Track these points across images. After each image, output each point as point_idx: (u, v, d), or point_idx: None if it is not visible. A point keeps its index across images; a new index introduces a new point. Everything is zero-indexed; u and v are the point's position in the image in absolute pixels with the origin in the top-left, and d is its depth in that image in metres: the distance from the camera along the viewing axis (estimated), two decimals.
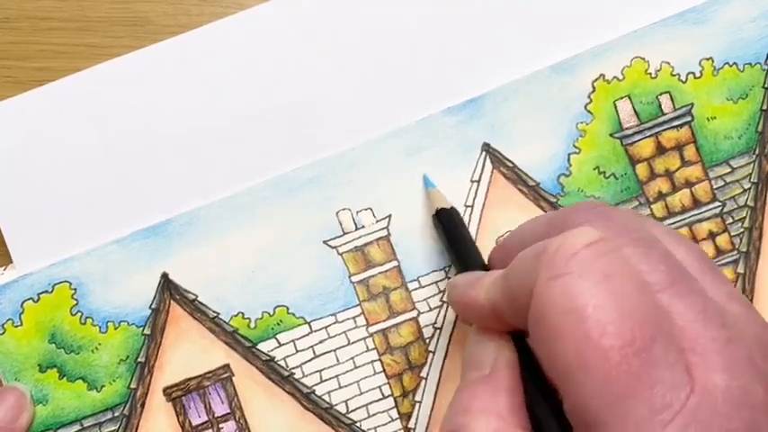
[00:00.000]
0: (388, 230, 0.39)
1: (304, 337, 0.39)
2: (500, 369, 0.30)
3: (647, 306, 0.26)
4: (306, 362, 0.39)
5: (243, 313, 0.39)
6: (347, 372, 0.39)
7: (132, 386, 0.38)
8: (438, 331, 0.39)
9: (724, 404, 0.25)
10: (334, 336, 0.39)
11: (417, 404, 0.39)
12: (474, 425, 0.28)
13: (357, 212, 0.39)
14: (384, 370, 0.39)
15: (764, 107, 0.40)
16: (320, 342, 0.39)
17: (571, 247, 0.26)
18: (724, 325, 0.26)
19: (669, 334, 0.25)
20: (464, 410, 0.29)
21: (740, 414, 0.25)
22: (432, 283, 0.39)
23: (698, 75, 0.40)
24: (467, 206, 0.39)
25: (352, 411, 0.39)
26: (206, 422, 0.39)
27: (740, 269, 0.40)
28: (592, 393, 0.25)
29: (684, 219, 0.40)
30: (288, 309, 0.39)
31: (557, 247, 0.27)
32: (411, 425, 0.39)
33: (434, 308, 0.39)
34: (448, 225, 0.38)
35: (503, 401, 0.29)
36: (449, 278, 0.39)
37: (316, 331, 0.39)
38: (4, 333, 0.38)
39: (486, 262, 0.36)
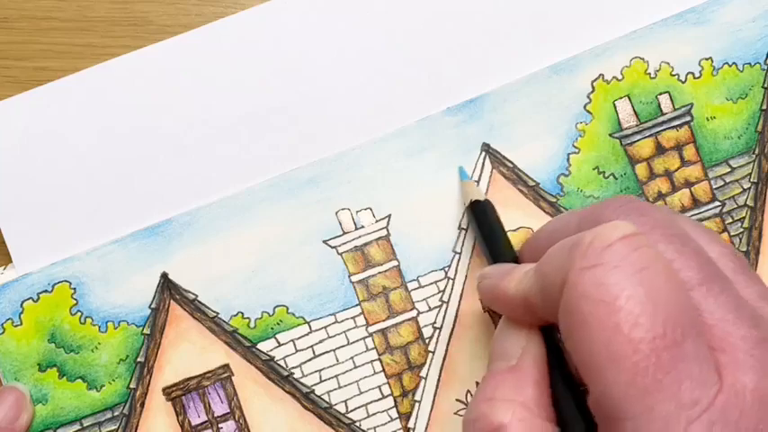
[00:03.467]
0: (387, 230, 0.39)
1: (303, 336, 0.39)
2: (527, 361, 0.30)
3: (679, 302, 0.26)
4: (305, 361, 0.39)
5: (242, 313, 0.39)
6: (347, 371, 0.39)
7: (132, 386, 0.38)
8: (438, 331, 0.39)
9: (752, 404, 0.25)
10: (334, 335, 0.39)
11: (417, 404, 0.39)
12: (497, 413, 0.28)
13: (357, 212, 0.39)
14: (384, 370, 0.39)
15: (764, 107, 0.40)
16: (320, 342, 0.39)
17: (606, 238, 0.26)
18: (756, 325, 0.26)
19: (700, 331, 0.25)
20: (488, 399, 0.29)
21: None
22: (431, 283, 0.39)
23: (697, 75, 0.40)
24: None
25: (351, 411, 0.39)
26: (205, 422, 0.39)
27: None
28: (619, 385, 0.25)
29: None
30: (287, 308, 0.39)
31: (591, 238, 0.27)
32: (411, 424, 0.39)
33: (434, 308, 0.39)
34: (481, 217, 0.38)
35: (529, 392, 0.29)
36: (449, 277, 0.39)
37: (315, 331, 0.39)
38: (3, 333, 0.38)
39: (518, 255, 0.36)
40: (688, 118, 0.40)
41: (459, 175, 0.39)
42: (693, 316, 0.26)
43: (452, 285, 0.39)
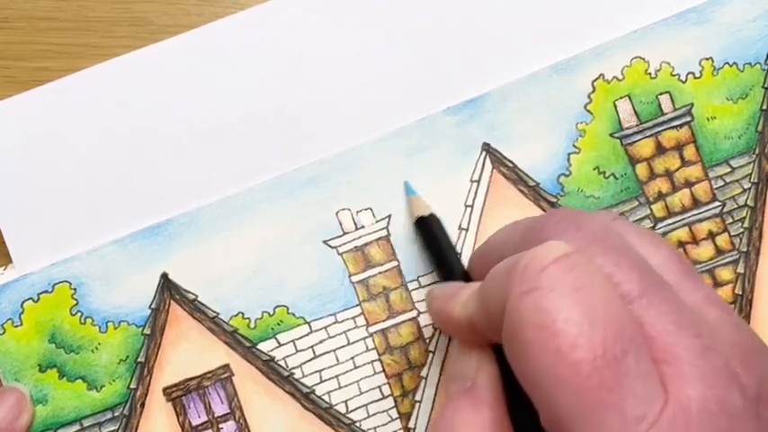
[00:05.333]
0: (387, 230, 0.39)
1: (304, 337, 0.39)
2: (481, 382, 0.30)
3: (618, 317, 0.25)
4: (306, 362, 0.39)
5: (243, 313, 0.39)
6: (347, 372, 0.39)
7: (132, 386, 0.38)
8: (438, 331, 0.39)
9: (699, 415, 0.24)
10: (334, 336, 0.39)
11: (417, 404, 0.39)
12: None
13: (357, 212, 0.39)
14: (384, 370, 0.39)
15: (764, 107, 0.40)
16: (320, 342, 0.39)
17: (540, 261, 0.26)
18: (699, 333, 0.26)
19: (642, 345, 0.25)
20: (447, 425, 0.30)
21: (717, 424, 0.25)
22: (431, 283, 0.39)
23: (698, 75, 0.40)
24: (467, 206, 0.39)
25: (351, 411, 0.39)
26: (206, 422, 0.39)
27: (740, 269, 0.40)
28: (565, 406, 0.25)
29: (684, 219, 0.40)
30: (288, 309, 0.39)
31: (527, 262, 0.27)
32: (411, 425, 0.39)
33: None
34: (428, 232, 0.38)
35: (485, 415, 0.29)
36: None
37: (315, 331, 0.39)
38: (3, 333, 0.38)
39: (467, 268, 0.36)
40: (688, 118, 0.40)
41: (405, 190, 0.39)
42: (633, 330, 0.26)
43: None
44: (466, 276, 0.36)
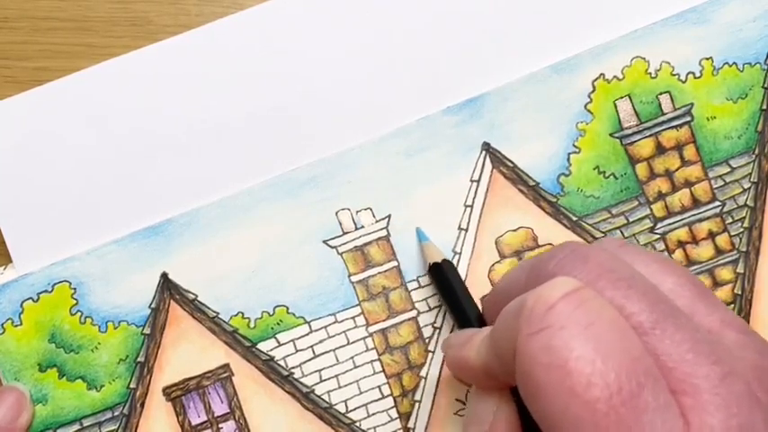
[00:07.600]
0: (387, 230, 0.39)
1: (304, 336, 0.39)
2: (500, 425, 0.30)
3: (631, 351, 0.25)
4: (305, 361, 0.39)
5: (242, 313, 0.39)
6: (347, 371, 0.39)
7: (132, 386, 0.38)
8: (437, 331, 0.39)
9: None
10: (334, 335, 0.39)
11: (417, 404, 0.39)
12: None
13: (357, 212, 0.39)
14: (383, 369, 0.39)
15: (764, 107, 0.40)
16: (320, 342, 0.39)
17: (547, 300, 0.26)
18: (717, 360, 0.26)
19: (658, 378, 0.25)
20: None
21: None
22: (431, 283, 0.39)
23: (698, 75, 0.40)
24: (467, 206, 0.39)
25: (351, 411, 0.39)
26: (205, 422, 0.39)
27: (740, 269, 0.40)
28: None
29: (684, 218, 0.40)
30: (287, 308, 0.39)
31: (533, 301, 0.26)
32: (410, 424, 0.39)
33: (434, 308, 0.39)
34: (442, 279, 0.38)
35: None
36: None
37: (315, 331, 0.39)
38: (3, 333, 0.38)
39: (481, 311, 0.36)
40: (688, 118, 0.40)
41: (417, 237, 0.39)
42: (648, 363, 0.25)
43: None
44: (481, 320, 0.36)
